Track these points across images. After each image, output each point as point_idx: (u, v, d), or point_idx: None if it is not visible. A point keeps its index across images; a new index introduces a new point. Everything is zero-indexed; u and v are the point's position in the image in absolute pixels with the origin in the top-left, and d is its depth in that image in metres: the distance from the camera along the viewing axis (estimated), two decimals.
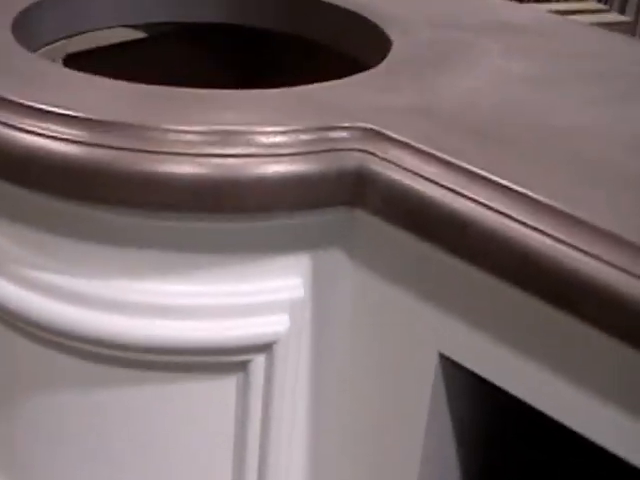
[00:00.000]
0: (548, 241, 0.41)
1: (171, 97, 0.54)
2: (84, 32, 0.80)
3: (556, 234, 0.41)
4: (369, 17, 0.70)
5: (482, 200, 0.42)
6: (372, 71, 0.59)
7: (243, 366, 0.53)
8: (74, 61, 0.81)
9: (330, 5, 0.71)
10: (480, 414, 0.56)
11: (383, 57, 0.63)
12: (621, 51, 0.67)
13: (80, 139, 0.49)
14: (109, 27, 0.83)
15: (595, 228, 0.40)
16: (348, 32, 0.71)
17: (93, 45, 0.88)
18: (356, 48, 0.70)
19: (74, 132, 0.49)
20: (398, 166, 0.45)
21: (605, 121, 0.52)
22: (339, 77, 0.59)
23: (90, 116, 0.50)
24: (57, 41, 0.76)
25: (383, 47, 0.65)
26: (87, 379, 0.57)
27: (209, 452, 0.58)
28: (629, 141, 0.50)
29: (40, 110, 0.50)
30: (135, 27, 0.92)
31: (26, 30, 0.66)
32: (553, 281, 0.40)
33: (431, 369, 0.49)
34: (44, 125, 0.49)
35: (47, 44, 0.73)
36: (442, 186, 0.43)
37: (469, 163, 0.44)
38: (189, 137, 0.49)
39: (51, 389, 0.59)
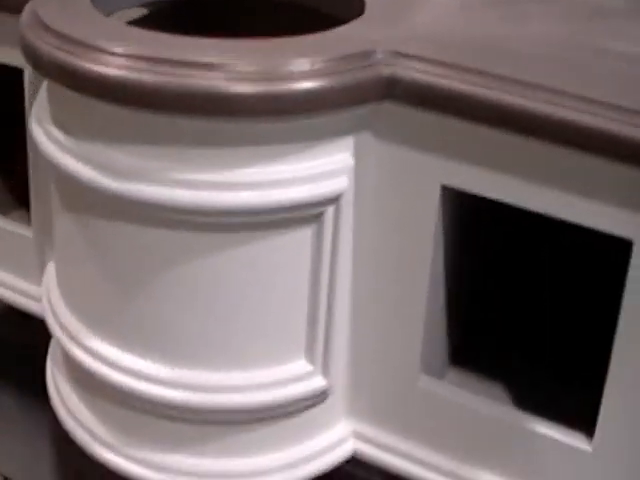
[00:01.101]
0: (508, 96, 0.70)
1: (216, 45, 0.75)
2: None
3: (509, 96, 0.70)
4: None
5: (469, 82, 0.71)
6: (364, 17, 0.84)
7: (319, 216, 0.78)
8: None
9: None
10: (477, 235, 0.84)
11: (361, 10, 0.90)
12: None
13: (163, 72, 0.72)
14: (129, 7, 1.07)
15: (534, 84, 0.70)
16: None
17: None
18: (334, 8, 0.97)
19: (161, 68, 0.72)
20: (415, 70, 0.73)
21: (518, 30, 0.82)
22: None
23: (170, 57, 0.72)
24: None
25: (356, 4, 0.91)
26: (201, 247, 0.78)
27: (291, 294, 0.80)
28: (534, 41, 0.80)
29: (153, 58, 0.72)
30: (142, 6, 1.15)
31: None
32: (512, 117, 0.70)
33: (436, 197, 0.76)
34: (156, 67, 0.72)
35: None
36: (445, 76, 0.72)
37: (458, 61, 0.73)
38: (253, 67, 0.72)
39: (171, 262, 0.80)
